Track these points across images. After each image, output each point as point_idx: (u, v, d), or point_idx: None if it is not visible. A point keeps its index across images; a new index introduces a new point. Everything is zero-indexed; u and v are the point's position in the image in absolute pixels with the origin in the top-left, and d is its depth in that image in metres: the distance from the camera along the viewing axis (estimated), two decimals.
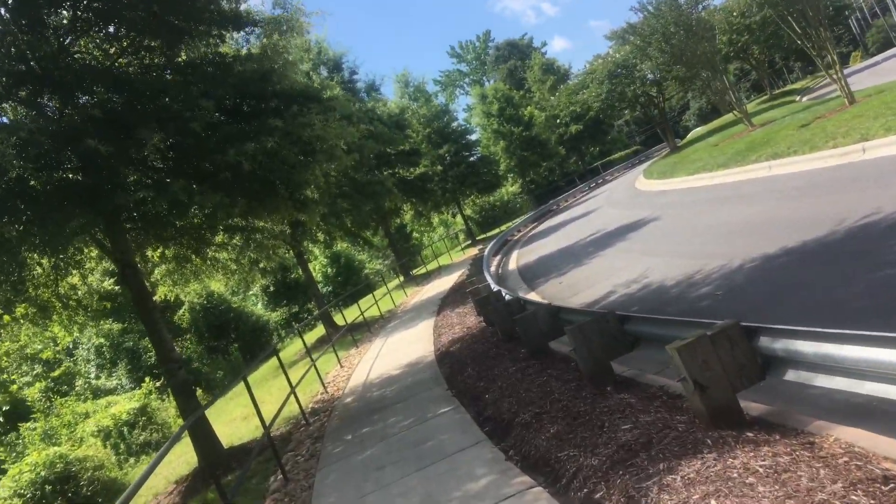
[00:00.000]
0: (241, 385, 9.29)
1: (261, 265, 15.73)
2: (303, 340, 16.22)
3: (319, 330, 29.24)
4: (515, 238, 38.78)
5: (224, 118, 9.90)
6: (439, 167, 47.08)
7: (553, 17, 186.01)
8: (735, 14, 47.34)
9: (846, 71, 57.26)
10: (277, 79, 10.82)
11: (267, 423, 9.37)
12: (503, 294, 13.07)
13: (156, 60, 11.40)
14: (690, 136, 60.35)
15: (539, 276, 19.02)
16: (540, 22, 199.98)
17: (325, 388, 14.42)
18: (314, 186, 12.15)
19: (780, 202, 13.03)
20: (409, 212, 45.47)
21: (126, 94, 9.61)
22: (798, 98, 44.39)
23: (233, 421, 16.01)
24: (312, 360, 14.41)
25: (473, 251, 40.39)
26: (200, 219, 11.86)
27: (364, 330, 22.73)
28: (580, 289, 13.95)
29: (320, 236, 27.62)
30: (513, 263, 25.90)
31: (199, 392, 26.99)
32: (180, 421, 15.54)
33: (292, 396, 11.43)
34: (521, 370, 8.67)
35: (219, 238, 12.99)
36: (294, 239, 22.49)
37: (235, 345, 35.63)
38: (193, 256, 13.37)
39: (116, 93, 9.70)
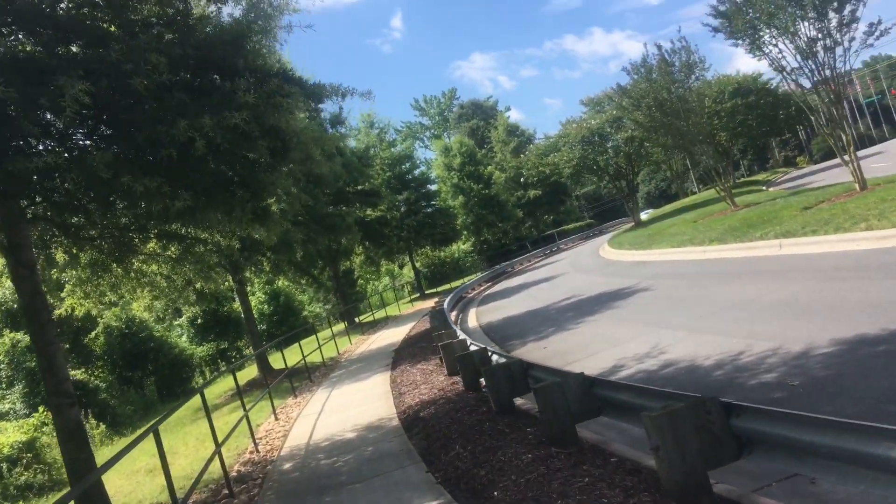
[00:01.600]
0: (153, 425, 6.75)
1: (197, 286, 13.10)
2: (236, 383, 13.49)
3: (250, 371, 26.20)
4: (470, 296, 36.66)
5: (177, 81, 7.52)
6: (397, 213, 45.10)
7: (509, 90, 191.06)
8: (707, 99, 47.52)
9: (795, 173, 58.13)
10: (252, 52, 8.54)
11: (180, 498, 6.79)
12: (489, 354, 10.84)
13: (98, 14, 9.02)
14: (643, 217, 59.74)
15: (511, 337, 16.83)
16: (496, 93, 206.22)
17: (255, 445, 11.73)
18: (279, 196, 9.75)
19: (823, 283, 11.26)
20: (360, 255, 43.02)
21: (49, 36, 7.18)
22: (764, 188, 44.32)
23: (135, 473, 13.04)
24: (245, 409, 11.76)
25: (422, 304, 38.03)
26: (129, 217, 9.32)
27: (303, 377, 19.99)
28: (574, 357, 11.80)
29: (266, 265, 24.85)
30: (473, 321, 23.68)
31: (101, 428, 23.53)
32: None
33: (211, 454, 8.82)
34: (541, 461, 6.37)
35: (150, 245, 10.39)
36: (239, 263, 19.77)
37: (152, 378, 32.07)
38: (114, 265, 10.70)
39: (32, 32, 7.26)
